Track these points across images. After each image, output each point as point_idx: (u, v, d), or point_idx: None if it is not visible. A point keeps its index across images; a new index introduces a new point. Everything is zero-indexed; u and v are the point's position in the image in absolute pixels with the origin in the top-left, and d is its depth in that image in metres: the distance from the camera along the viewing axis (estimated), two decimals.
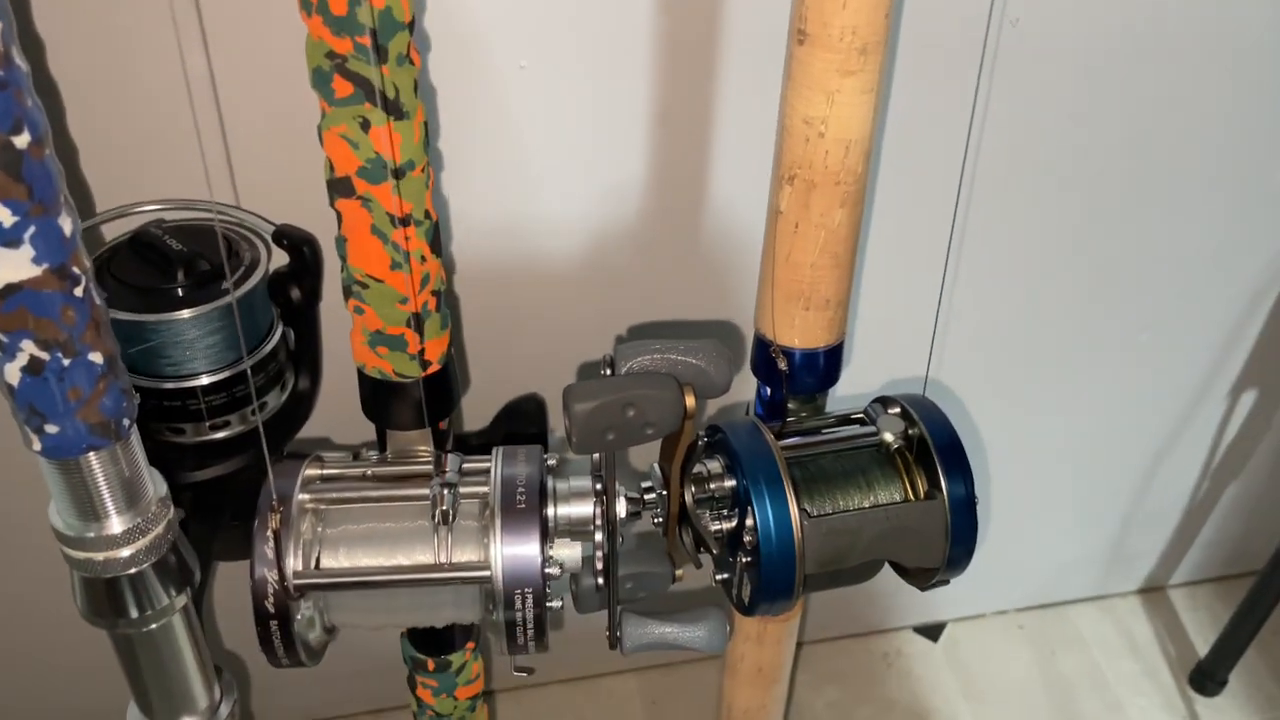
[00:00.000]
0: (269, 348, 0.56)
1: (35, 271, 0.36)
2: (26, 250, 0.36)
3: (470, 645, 0.57)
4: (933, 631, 1.04)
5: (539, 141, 0.59)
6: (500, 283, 0.62)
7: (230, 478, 0.57)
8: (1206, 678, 0.97)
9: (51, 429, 0.39)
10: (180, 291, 0.52)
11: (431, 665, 0.56)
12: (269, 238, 0.57)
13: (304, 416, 0.61)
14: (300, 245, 0.59)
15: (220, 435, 0.56)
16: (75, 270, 0.38)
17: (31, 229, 0.35)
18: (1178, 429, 0.92)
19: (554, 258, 0.62)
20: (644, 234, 0.62)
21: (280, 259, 0.58)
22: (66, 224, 0.37)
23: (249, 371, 0.53)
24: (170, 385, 0.53)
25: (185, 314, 0.52)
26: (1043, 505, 0.95)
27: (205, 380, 0.54)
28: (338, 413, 0.66)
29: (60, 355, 0.38)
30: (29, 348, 0.37)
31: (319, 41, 0.38)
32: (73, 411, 0.39)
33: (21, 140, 0.34)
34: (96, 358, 0.39)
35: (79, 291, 0.38)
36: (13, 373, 0.38)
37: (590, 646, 0.93)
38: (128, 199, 0.57)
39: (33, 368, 0.38)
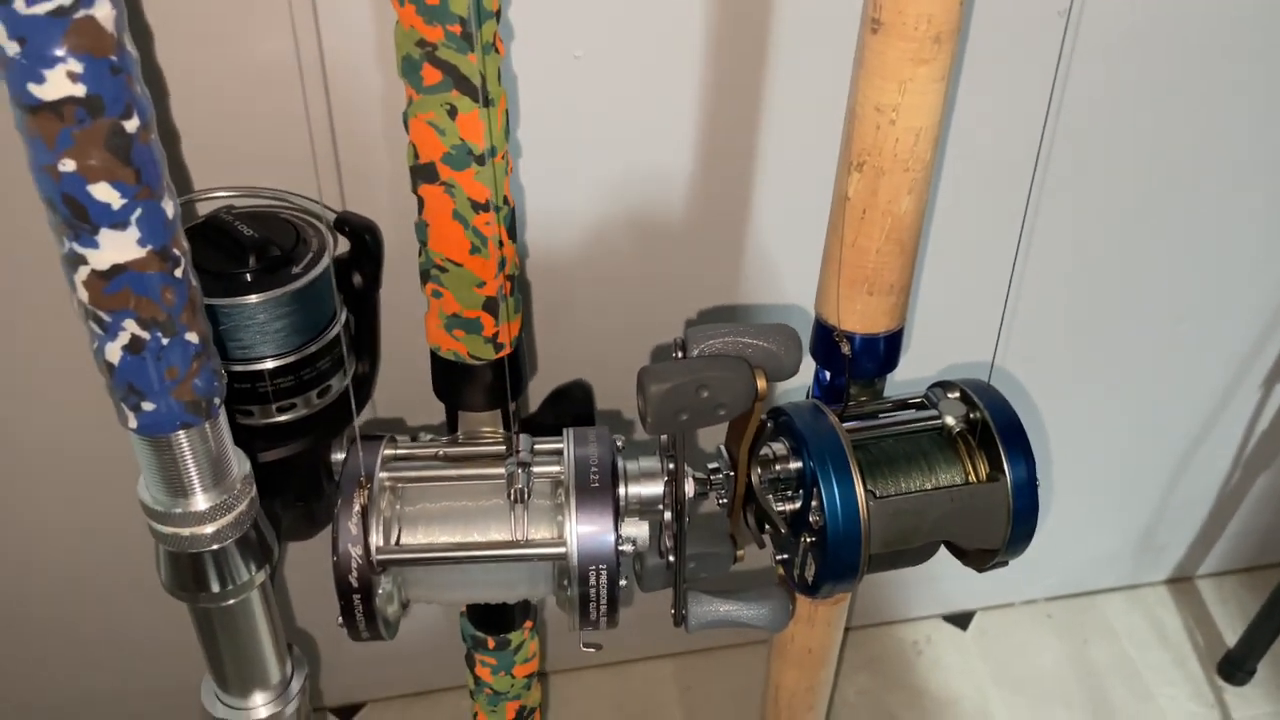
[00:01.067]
0: (334, 332, 0.57)
1: (140, 253, 0.37)
2: (132, 232, 0.37)
3: (528, 624, 0.58)
4: (962, 620, 1.05)
5: (593, 130, 0.60)
6: (555, 271, 0.63)
7: (294, 459, 0.58)
8: (1235, 667, 0.98)
9: (148, 407, 0.40)
10: (250, 276, 0.54)
11: (491, 643, 0.57)
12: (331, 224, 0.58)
13: (364, 400, 0.62)
14: (362, 232, 0.60)
15: (285, 418, 0.57)
16: (176, 252, 0.39)
17: (138, 211, 0.37)
18: (1210, 420, 0.93)
19: (607, 244, 0.63)
20: (693, 221, 0.63)
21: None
22: (169, 207, 0.38)
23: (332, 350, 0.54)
24: (239, 368, 0.55)
25: (254, 298, 0.53)
26: (1074, 495, 0.96)
27: (272, 364, 0.55)
28: (395, 397, 0.67)
29: (160, 335, 0.39)
30: (130, 327, 0.38)
31: (410, 30, 0.39)
32: (168, 390, 0.40)
33: (131, 125, 0.36)
34: (193, 338, 0.40)
35: (179, 273, 0.39)
36: (114, 352, 0.39)
37: (624, 631, 0.95)
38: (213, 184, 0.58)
39: (133, 347, 0.39)
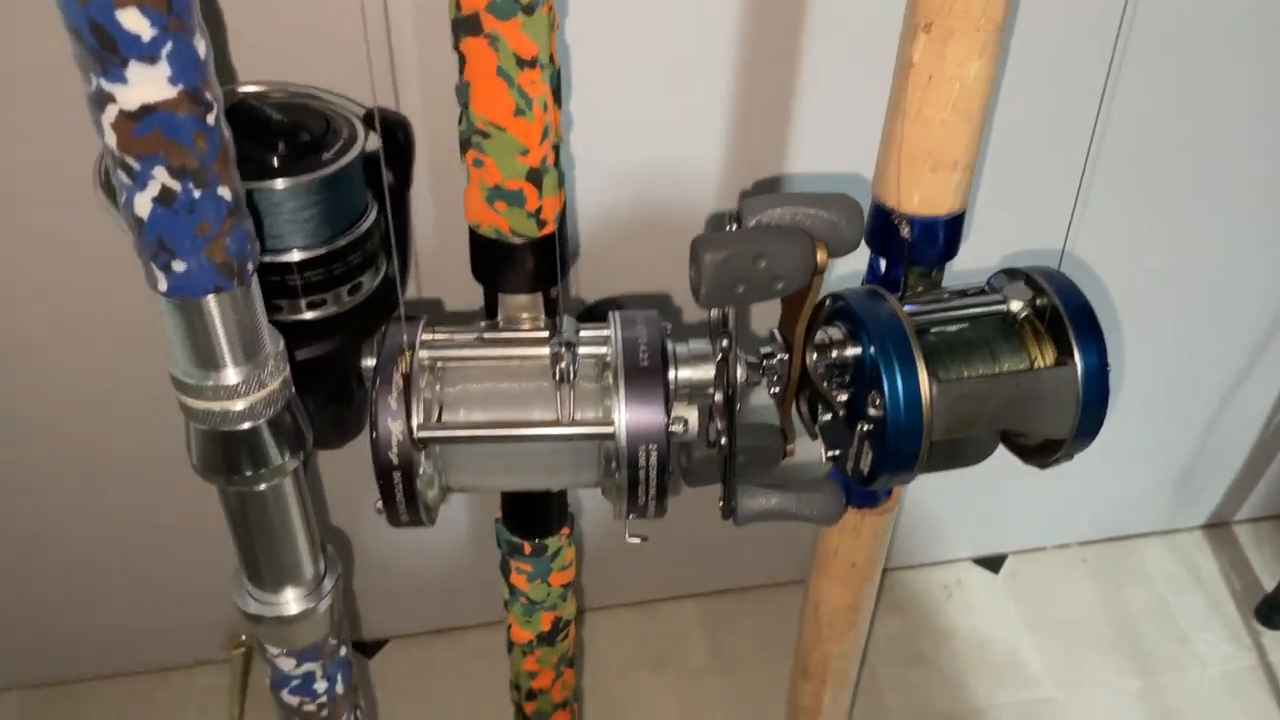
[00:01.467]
0: (365, 227, 0.55)
1: (171, 92, 0.35)
2: (163, 68, 0.35)
3: (565, 530, 0.57)
4: (993, 564, 1.03)
5: None
6: (597, 143, 0.60)
7: (323, 360, 0.56)
8: (1274, 610, 0.96)
9: (178, 266, 0.38)
10: (278, 161, 0.51)
11: (528, 549, 0.56)
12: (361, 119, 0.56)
13: (394, 303, 0.60)
14: (394, 128, 0.58)
15: (314, 315, 0.55)
16: (208, 96, 0.36)
17: (169, 45, 0.34)
18: (1250, 363, 0.90)
19: (650, 117, 0.59)
20: (742, 96, 0.59)
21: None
22: (201, 45, 0.36)
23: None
24: (267, 259, 0.52)
25: (282, 183, 0.51)
26: (1110, 436, 0.93)
27: (301, 255, 0.53)
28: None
29: (191, 185, 0.37)
30: (161, 176, 0.36)
31: None
32: (200, 248, 0.38)
33: None
34: (225, 193, 0.38)
35: (211, 119, 0.37)
36: (143, 204, 0.37)
37: (650, 570, 0.94)
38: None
39: (164, 198, 0.37)
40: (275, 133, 0.52)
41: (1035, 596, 1.00)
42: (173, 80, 0.35)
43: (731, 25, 0.57)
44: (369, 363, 0.50)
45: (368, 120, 0.57)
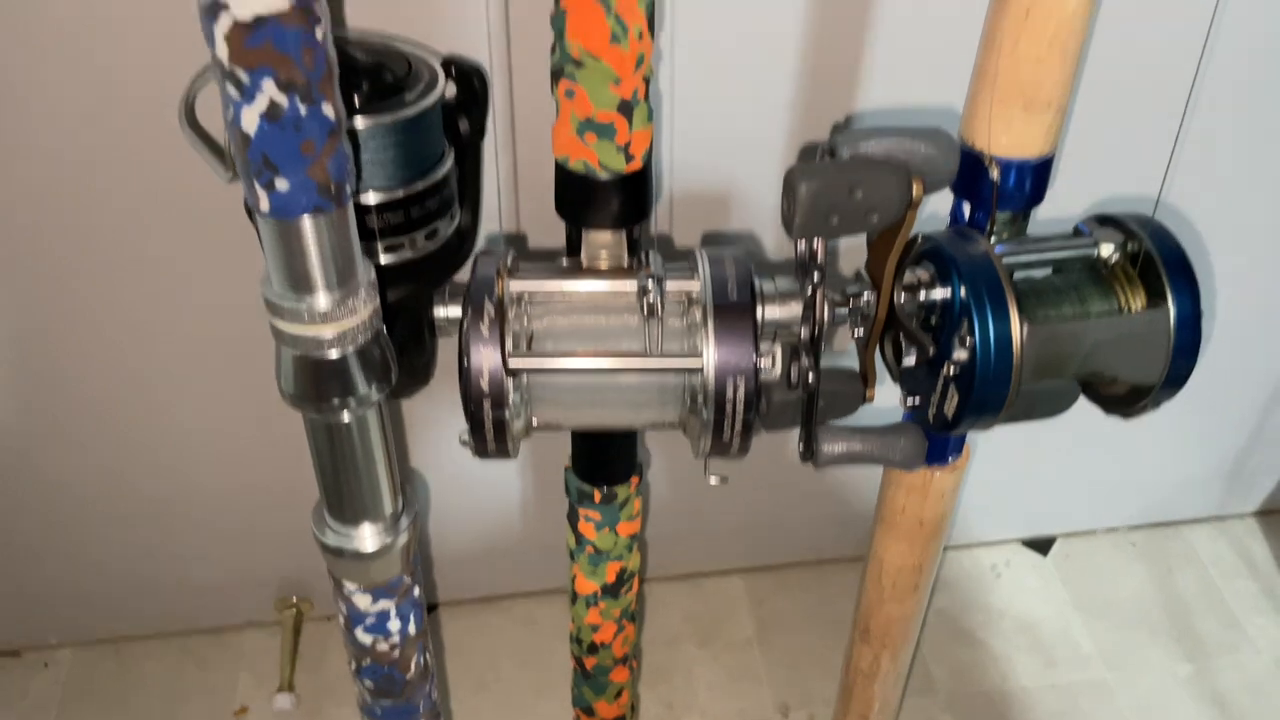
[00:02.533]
0: (443, 171, 0.55)
1: (284, 4, 0.35)
2: None
3: (635, 479, 0.56)
4: (1042, 546, 1.02)
5: None
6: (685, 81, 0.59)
7: (396, 305, 0.57)
8: None
9: (281, 185, 0.39)
10: (360, 100, 0.52)
11: (598, 497, 0.55)
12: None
13: (467, 252, 0.60)
14: (470, 75, 0.58)
15: (390, 259, 0.55)
16: (317, 10, 0.37)
17: None
18: None
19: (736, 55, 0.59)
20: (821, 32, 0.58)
21: None
22: None
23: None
24: None
25: (365, 122, 0.51)
26: (1163, 418, 0.92)
27: (381, 197, 0.53)
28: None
29: (298, 101, 0.37)
30: (269, 89, 0.36)
31: None
32: (304, 166, 0.38)
33: None
34: (329, 111, 0.38)
35: (319, 34, 0.37)
36: (251, 118, 0.37)
37: (696, 544, 0.93)
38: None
39: (271, 113, 0.37)
40: (359, 71, 0.52)
41: (1085, 579, 0.99)
42: None
43: None
44: (443, 311, 0.50)
45: (446, 66, 0.57)
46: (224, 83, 0.37)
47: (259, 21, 0.35)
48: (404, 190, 0.53)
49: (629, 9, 0.41)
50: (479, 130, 0.60)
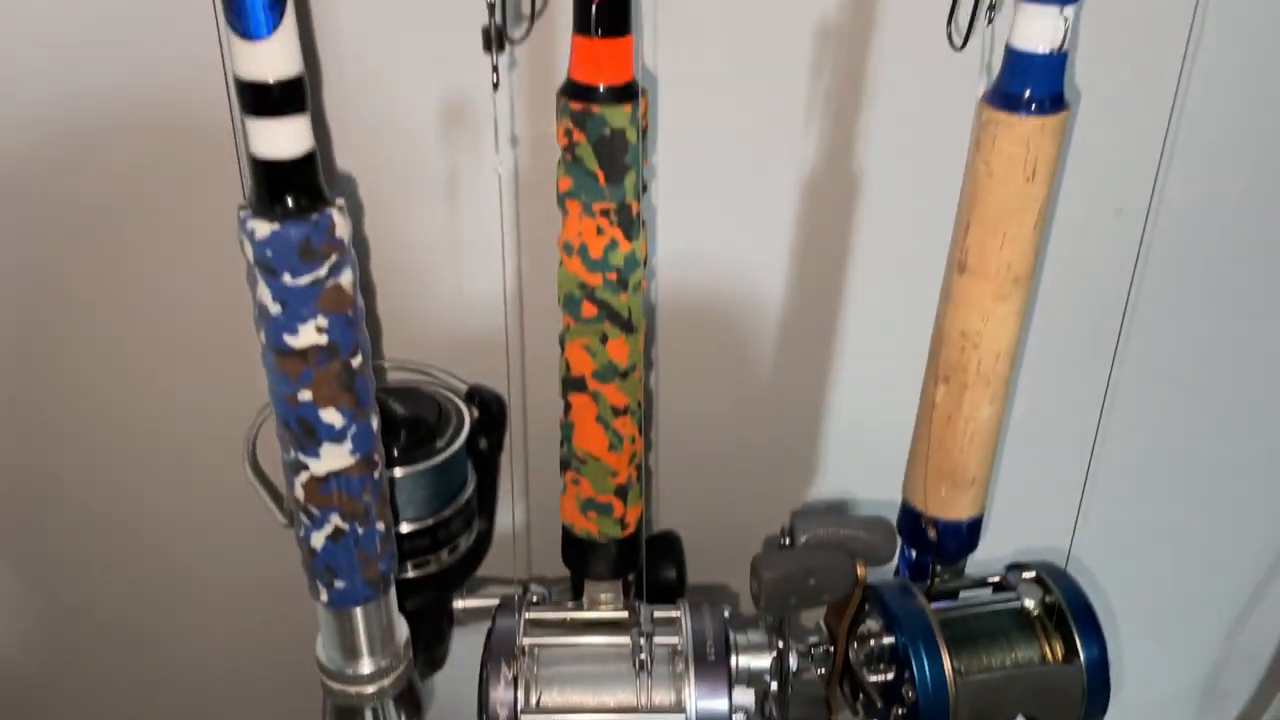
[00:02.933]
0: (465, 497, 0.64)
1: (350, 461, 0.45)
2: (347, 445, 0.45)
3: None
4: None
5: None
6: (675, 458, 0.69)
7: (419, 609, 0.65)
8: None
9: (340, 584, 0.48)
10: (398, 452, 0.61)
11: None
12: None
13: (483, 554, 0.69)
14: (490, 402, 0.68)
15: (416, 574, 0.63)
16: (376, 458, 0.46)
17: (354, 429, 0.44)
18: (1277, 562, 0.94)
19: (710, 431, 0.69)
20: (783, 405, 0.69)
21: None
22: (374, 422, 0.46)
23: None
24: None
25: (401, 472, 0.60)
26: (1133, 641, 0.98)
27: (410, 527, 0.61)
28: None
29: (358, 526, 0.46)
30: (335, 520, 0.46)
31: (573, 275, 0.47)
32: (358, 570, 0.47)
33: (356, 361, 0.44)
34: (381, 527, 0.48)
35: (377, 474, 0.47)
36: (319, 540, 0.46)
37: None
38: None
39: (335, 537, 0.46)
40: (397, 423, 0.62)
41: None
42: (352, 453, 0.45)
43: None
44: (459, 604, 0.59)
45: (469, 397, 0.67)
46: (298, 513, 0.46)
47: (331, 475, 0.45)
48: (433, 519, 0.62)
49: (624, 424, 0.51)
50: (497, 446, 0.69)
